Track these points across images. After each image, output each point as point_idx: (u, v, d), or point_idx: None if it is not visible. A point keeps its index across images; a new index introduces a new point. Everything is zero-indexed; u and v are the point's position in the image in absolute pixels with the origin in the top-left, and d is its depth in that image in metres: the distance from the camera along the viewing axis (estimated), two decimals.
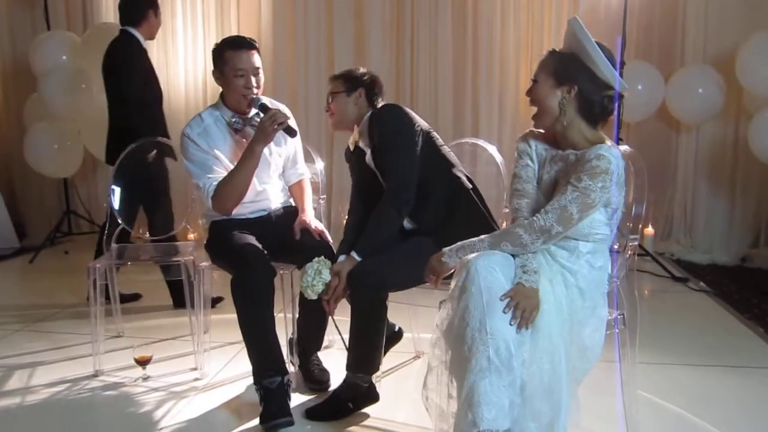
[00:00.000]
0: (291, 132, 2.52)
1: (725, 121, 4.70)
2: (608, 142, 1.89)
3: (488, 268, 1.81)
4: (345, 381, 2.46)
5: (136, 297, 3.93)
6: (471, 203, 2.46)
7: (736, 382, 2.73)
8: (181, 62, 5.48)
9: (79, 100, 4.84)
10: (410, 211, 2.42)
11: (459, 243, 1.96)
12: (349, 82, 2.58)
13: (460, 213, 2.43)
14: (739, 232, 4.78)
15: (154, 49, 5.46)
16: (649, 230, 4.83)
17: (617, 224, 1.95)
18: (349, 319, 2.65)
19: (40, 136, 5.01)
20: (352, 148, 2.68)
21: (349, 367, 2.44)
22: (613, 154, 1.83)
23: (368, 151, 2.56)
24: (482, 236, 1.93)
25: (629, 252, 2.10)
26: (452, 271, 1.95)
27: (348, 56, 5.14)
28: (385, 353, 2.57)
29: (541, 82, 1.96)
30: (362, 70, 2.64)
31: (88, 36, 4.96)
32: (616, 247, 4.33)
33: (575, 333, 1.86)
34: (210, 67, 2.67)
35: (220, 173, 2.55)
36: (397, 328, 2.86)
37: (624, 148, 2.26)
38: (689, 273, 4.36)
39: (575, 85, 1.90)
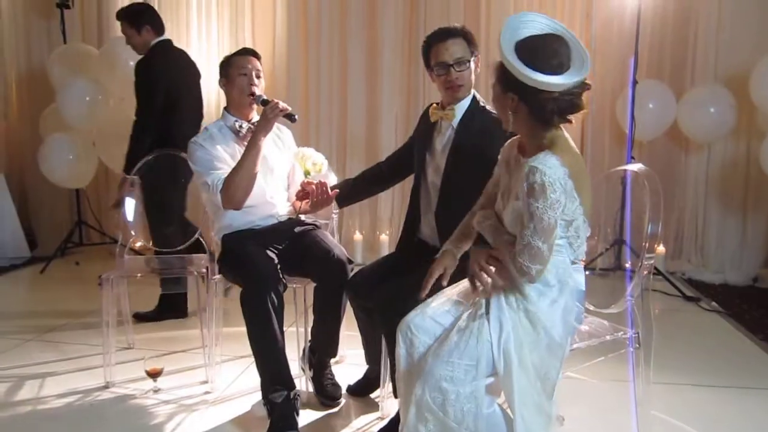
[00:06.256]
0: (291, 117, 2.58)
1: (737, 140, 4.68)
2: (554, 151, 1.70)
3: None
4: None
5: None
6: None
7: (750, 403, 2.70)
8: None
9: (97, 112, 4.88)
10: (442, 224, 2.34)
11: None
12: (472, 44, 2.32)
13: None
14: (751, 251, 4.74)
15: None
16: (660, 249, 4.80)
17: (584, 236, 1.80)
18: (358, 334, 2.67)
19: (57, 147, 5.03)
20: (433, 120, 2.45)
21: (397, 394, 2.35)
22: (547, 164, 1.66)
23: (445, 137, 2.39)
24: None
25: (645, 271, 2.08)
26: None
27: (361, 64, 5.15)
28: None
29: (494, 87, 1.82)
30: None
31: (106, 49, 5.01)
32: (628, 265, 4.33)
33: (524, 359, 1.73)
34: None
35: (225, 169, 2.60)
36: None
37: (639, 166, 2.26)
38: (700, 292, 4.34)
39: (515, 94, 1.74)
